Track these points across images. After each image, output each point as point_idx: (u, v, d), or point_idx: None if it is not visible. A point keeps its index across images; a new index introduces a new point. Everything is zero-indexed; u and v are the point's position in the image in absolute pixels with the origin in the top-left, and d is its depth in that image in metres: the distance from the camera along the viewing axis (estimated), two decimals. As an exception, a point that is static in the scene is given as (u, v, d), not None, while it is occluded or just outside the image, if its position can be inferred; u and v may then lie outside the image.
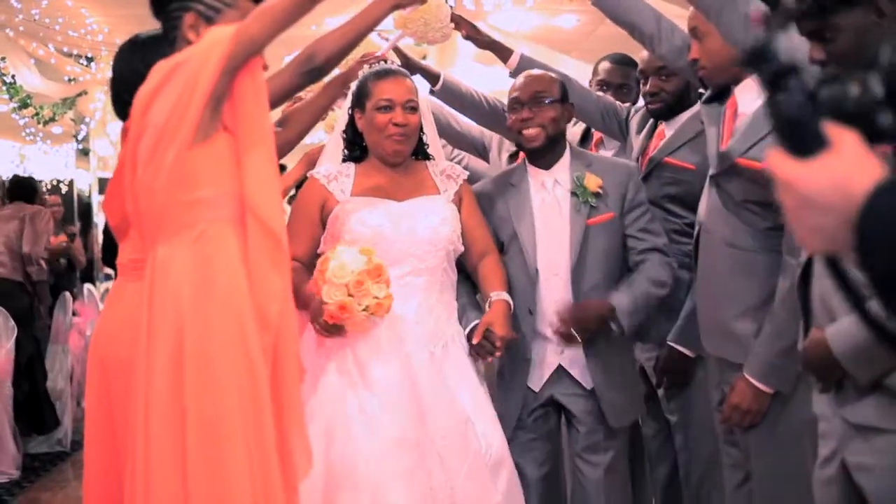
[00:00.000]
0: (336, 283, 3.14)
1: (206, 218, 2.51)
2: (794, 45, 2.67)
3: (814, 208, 1.24)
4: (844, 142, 1.23)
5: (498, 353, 3.38)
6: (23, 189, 8.58)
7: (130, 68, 3.01)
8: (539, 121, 3.60)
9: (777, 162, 1.27)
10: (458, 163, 4.68)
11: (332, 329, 3.20)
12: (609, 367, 3.61)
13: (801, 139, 1.24)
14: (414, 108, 3.47)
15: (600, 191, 3.59)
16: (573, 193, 3.60)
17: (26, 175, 9.93)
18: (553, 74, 3.78)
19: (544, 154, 3.67)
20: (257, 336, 2.47)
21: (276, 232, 2.52)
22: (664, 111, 3.91)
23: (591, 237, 3.58)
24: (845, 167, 1.22)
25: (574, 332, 3.49)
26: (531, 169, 3.71)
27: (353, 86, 3.53)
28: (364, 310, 3.14)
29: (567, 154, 3.70)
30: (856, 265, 1.24)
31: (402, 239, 3.36)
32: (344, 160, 3.59)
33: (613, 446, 3.66)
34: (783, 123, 1.25)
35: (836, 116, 1.25)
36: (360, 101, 3.49)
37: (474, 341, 3.37)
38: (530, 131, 3.61)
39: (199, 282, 2.48)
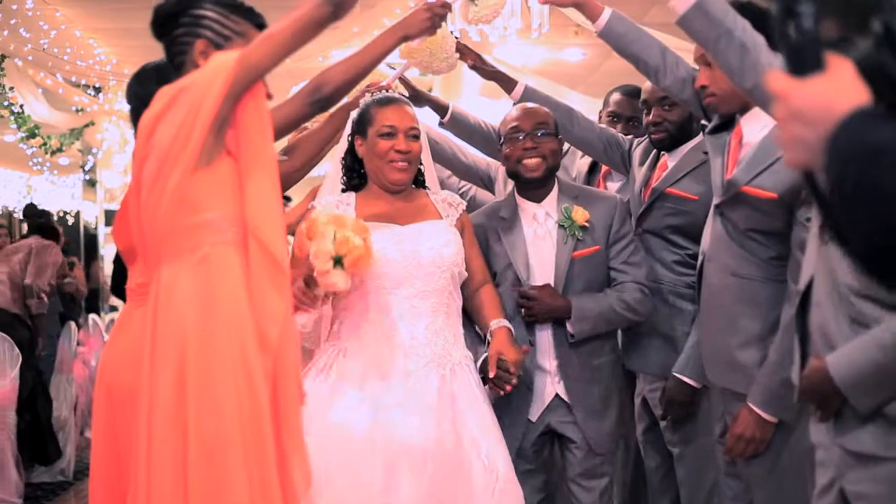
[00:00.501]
0: (319, 213, 3.11)
1: (210, 241, 2.53)
2: None
3: (800, 121, 1.36)
4: (839, 67, 1.35)
5: (514, 381, 3.37)
6: (43, 227, 8.59)
7: (147, 92, 3.02)
8: (541, 151, 3.65)
9: (776, 77, 1.38)
10: (464, 194, 4.72)
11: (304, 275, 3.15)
12: (588, 394, 3.65)
13: (801, 59, 1.36)
14: (416, 136, 3.48)
15: (587, 224, 3.64)
16: (561, 226, 3.65)
17: (38, 207, 9.92)
18: (547, 110, 3.81)
19: (538, 186, 3.71)
20: (259, 359, 2.48)
21: (277, 255, 2.53)
22: (667, 141, 3.92)
23: (575, 269, 3.64)
24: (834, 89, 1.34)
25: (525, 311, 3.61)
26: (521, 201, 3.75)
27: (355, 113, 3.55)
28: (333, 240, 3.06)
29: (556, 187, 3.74)
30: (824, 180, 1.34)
31: (406, 261, 3.35)
32: (343, 190, 3.59)
33: (607, 472, 3.71)
34: (788, 44, 1.37)
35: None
36: (361, 127, 3.50)
37: (491, 375, 3.37)
38: (532, 161, 3.65)
39: (202, 304, 2.49)
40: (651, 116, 3.95)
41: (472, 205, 4.10)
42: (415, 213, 3.51)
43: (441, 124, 4.20)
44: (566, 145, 4.45)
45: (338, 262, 3.07)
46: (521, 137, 3.67)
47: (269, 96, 2.63)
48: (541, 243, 3.68)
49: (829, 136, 1.31)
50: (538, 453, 3.71)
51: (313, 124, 3.67)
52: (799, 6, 1.34)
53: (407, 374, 3.27)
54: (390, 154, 3.44)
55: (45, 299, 8.03)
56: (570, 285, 3.62)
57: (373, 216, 3.42)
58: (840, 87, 1.34)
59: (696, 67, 3.48)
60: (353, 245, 3.07)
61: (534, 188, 3.72)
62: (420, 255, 3.38)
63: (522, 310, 3.61)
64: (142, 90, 3.16)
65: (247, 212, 2.53)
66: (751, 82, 2.89)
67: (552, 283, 3.62)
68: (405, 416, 3.21)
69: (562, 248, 3.64)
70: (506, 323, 3.49)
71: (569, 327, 3.60)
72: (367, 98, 3.55)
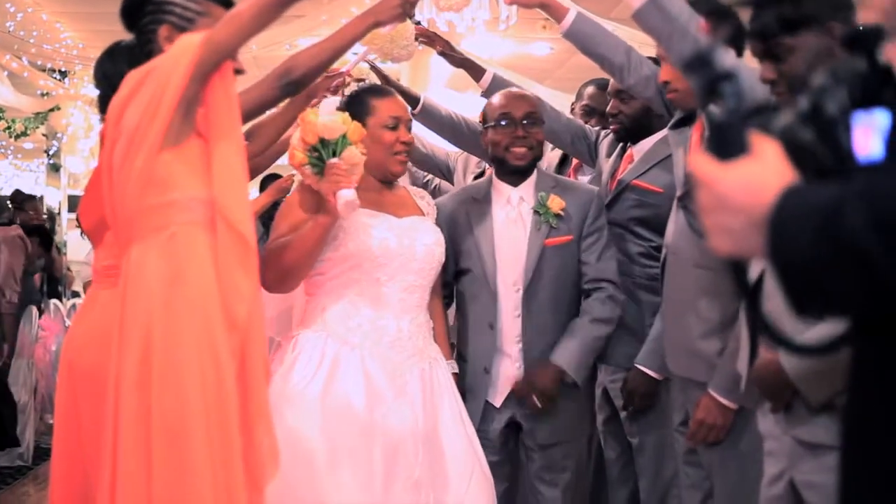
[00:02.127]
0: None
1: (178, 221, 2.54)
2: (749, 82, 2.75)
3: (726, 208, 1.30)
4: (764, 149, 1.30)
5: None
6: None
7: (117, 70, 3.01)
8: (529, 141, 3.66)
9: (699, 162, 1.34)
10: (427, 184, 4.74)
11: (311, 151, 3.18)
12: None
13: (725, 142, 1.31)
14: (410, 127, 3.54)
15: (562, 213, 3.64)
16: (536, 211, 3.65)
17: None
18: (535, 96, 3.83)
19: (521, 172, 3.71)
20: (226, 337, 2.50)
21: (245, 234, 2.55)
22: (622, 133, 3.98)
23: (547, 257, 3.62)
24: (760, 171, 1.29)
25: (536, 400, 3.58)
26: (497, 184, 3.74)
27: (335, 102, 3.47)
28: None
29: (534, 173, 3.74)
30: (767, 266, 1.30)
31: (403, 255, 3.36)
32: None
33: (570, 466, 3.70)
34: (712, 126, 1.32)
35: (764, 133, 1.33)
36: (358, 118, 3.40)
37: None
38: (521, 150, 3.65)
39: (168, 283, 2.50)
40: (609, 108, 4.01)
41: (437, 195, 4.11)
42: (402, 205, 3.51)
43: (413, 115, 4.20)
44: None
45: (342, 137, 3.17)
46: (510, 125, 3.66)
47: (239, 71, 2.64)
48: (512, 227, 3.68)
49: (768, 215, 1.26)
50: (503, 444, 3.70)
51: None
52: (722, 86, 1.31)
53: (394, 365, 3.28)
54: (396, 146, 3.46)
55: (15, 299, 7.88)
56: (540, 273, 3.61)
57: (367, 203, 3.38)
58: (767, 169, 1.29)
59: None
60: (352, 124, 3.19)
61: (515, 174, 3.72)
62: (416, 249, 3.39)
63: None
64: (112, 68, 3.15)
65: (214, 191, 2.55)
66: None
67: (521, 270, 3.62)
68: (397, 407, 3.23)
69: (534, 235, 3.63)
70: (454, 367, 3.57)
71: (572, 380, 3.60)
72: (354, 86, 3.54)
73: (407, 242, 3.38)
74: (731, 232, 1.31)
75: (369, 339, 3.28)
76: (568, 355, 3.60)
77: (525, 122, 3.66)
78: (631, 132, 3.97)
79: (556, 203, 3.63)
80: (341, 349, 3.26)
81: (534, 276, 3.62)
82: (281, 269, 3.22)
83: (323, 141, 3.14)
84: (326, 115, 3.16)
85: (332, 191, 3.12)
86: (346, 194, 3.11)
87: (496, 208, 3.71)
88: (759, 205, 1.27)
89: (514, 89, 3.85)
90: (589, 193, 3.75)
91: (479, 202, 3.74)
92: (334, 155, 3.15)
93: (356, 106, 3.46)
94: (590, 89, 4.69)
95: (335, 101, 3.44)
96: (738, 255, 1.35)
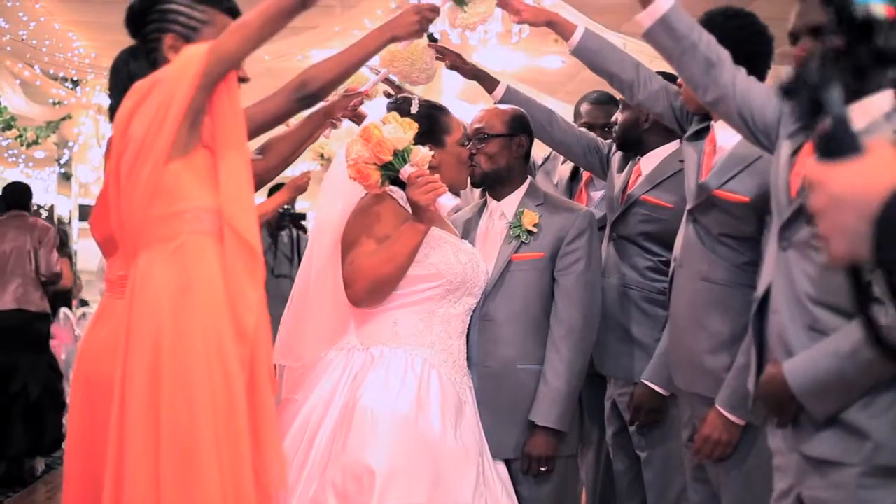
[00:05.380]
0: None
1: (186, 230, 2.54)
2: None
3: (840, 207, 1.27)
4: (878, 147, 1.27)
5: None
6: (18, 195, 7.92)
7: (144, 72, 2.93)
8: (477, 158, 3.65)
9: (812, 164, 1.31)
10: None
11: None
12: (498, 395, 3.53)
13: (838, 145, 1.29)
14: None
15: (534, 229, 3.59)
16: (510, 225, 3.63)
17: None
18: (503, 107, 3.81)
19: (491, 186, 3.72)
20: (235, 347, 2.50)
21: (252, 243, 2.55)
22: (617, 142, 4.04)
23: (513, 271, 3.58)
24: (874, 168, 1.26)
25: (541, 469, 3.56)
26: (487, 197, 3.77)
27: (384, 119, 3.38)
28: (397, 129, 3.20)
29: (523, 188, 3.71)
30: (873, 263, 1.25)
31: (472, 279, 3.42)
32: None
33: (549, 477, 3.57)
34: (822, 134, 1.29)
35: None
36: (436, 136, 3.46)
37: None
38: (471, 167, 3.64)
39: (177, 293, 2.50)
40: (613, 118, 4.05)
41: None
42: (450, 228, 3.56)
43: None
44: (548, 150, 4.49)
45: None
46: (467, 143, 3.63)
47: (243, 79, 2.64)
48: (489, 240, 3.67)
49: (876, 215, 1.22)
50: None
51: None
52: (823, 96, 1.28)
53: (458, 387, 3.33)
54: (468, 161, 3.56)
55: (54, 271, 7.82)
56: (503, 286, 3.57)
57: (436, 221, 3.41)
58: (881, 166, 1.26)
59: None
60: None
61: (489, 187, 3.74)
62: (479, 275, 3.46)
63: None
64: (139, 68, 3.02)
65: (221, 200, 2.55)
66: (712, 96, 2.89)
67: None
68: (469, 429, 3.29)
69: (504, 248, 3.61)
70: None
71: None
72: (419, 102, 3.52)
73: (475, 267, 3.44)
74: (845, 231, 1.27)
75: (440, 357, 3.31)
76: (546, 408, 3.51)
77: (473, 139, 3.66)
78: (620, 140, 4.00)
79: (529, 218, 3.60)
80: (424, 367, 3.27)
81: (494, 288, 3.57)
82: (377, 281, 3.26)
83: (394, 152, 3.20)
84: (387, 127, 3.20)
85: (431, 200, 3.18)
86: (449, 202, 3.20)
87: (482, 221, 3.73)
88: (873, 199, 1.24)
89: (486, 106, 3.87)
90: (575, 214, 3.66)
91: (475, 215, 3.77)
92: (405, 161, 3.21)
93: (433, 125, 3.47)
94: (585, 106, 4.72)
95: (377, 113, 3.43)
96: (853, 258, 1.30)
